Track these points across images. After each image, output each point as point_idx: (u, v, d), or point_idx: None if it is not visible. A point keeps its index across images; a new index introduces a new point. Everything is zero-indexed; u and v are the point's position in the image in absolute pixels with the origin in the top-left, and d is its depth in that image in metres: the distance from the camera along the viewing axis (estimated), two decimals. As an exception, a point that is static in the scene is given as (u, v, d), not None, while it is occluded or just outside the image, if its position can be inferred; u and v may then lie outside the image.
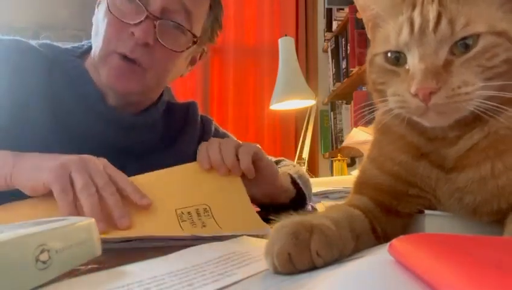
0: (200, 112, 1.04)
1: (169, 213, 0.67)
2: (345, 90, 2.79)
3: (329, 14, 3.08)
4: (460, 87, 0.41)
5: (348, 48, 2.74)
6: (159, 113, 0.93)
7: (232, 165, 0.75)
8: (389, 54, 0.46)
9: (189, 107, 1.01)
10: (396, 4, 0.46)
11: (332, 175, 2.75)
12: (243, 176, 0.77)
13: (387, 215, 0.49)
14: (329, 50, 3.10)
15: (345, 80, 2.78)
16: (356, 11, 0.54)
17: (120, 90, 0.82)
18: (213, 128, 1.03)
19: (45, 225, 0.36)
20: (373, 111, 0.51)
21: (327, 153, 3.01)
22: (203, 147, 0.78)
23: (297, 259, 0.35)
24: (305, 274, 0.35)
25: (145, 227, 0.63)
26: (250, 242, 0.52)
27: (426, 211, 0.49)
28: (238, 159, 0.76)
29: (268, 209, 0.83)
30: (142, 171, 0.72)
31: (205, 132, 1.00)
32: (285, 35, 2.39)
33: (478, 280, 0.20)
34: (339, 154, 2.52)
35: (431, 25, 0.42)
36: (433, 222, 0.48)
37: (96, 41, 0.82)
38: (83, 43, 0.91)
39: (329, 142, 3.04)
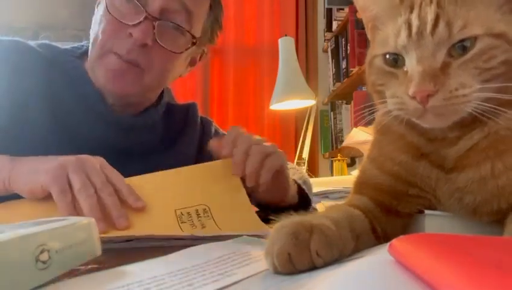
0: (200, 112, 1.04)
1: (169, 214, 0.67)
2: (345, 90, 2.79)
3: (329, 14, 3.08)
4: (458, 90, 0.41)
5: (348, 48, 2.74)
6: (158, 114, 0.93)
7: (250, 174, 0.73)
8: (387, 56, 0.46)
9: (189, 109, 1.01)
10: (394, 6, 0.46)
11: (332, 175, 2.75)
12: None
13: (387, 215, 0.49)
14: (329, 50, 3.10)
15: (345, 80, 2.78)
16: (356, 11, 0.54)
17: (117, 92, 0.81)
18: (213, 130, 1.03)
19: (45, 225, 0.36)
20: (373, 112, 0.51)
21: (327, 153, 3.01)
22: (231, 136, 0.76)
23: (297, 259, 0.35)
24: (305, 274, 0.35)
25: (144, 227, 0.63)
26: (250, 242, 0.52)
27: (426, 211, 0.49)
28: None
29: (267, 210, 0.82)
30: (142, 172, 0.71)
31: (205, 133, 1.00)
32: (285, 35, 2.39)
33: (478, 280, 0.20)
34: (339, 154, 2.53)
35: (429, 27, 0.42)
36: (433, 222, 0.48)
37: (93, 42, 0.82)
38: (82, 43, 0.91)
39: (329, 142, 3.04)
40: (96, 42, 0.81)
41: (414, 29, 0.43)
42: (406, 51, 0.44)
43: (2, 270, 0.30)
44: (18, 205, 0.65)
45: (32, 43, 0.87)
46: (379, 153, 0.51)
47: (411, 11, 0.44)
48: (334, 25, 3.01)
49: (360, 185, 0.53)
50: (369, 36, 0.52)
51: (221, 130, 1.06)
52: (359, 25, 2.56)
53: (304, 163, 2.48)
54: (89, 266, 0.40)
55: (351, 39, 2.69)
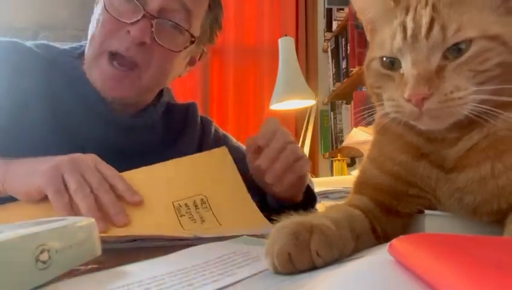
0: (200, 112, 1.03)
1: (167, 207, 0.67)
2: (345, 90, 2.79)
3: (329, 14, 3.09)
4: (453, 92, 0.41)
5: (348, 48, 2.74)
6: (158, 114, 0.93)
7: (277, 172, 0.74)
8: (384, 59, 0.46)
9: (189, 108, 1.01)
10: (390, 8, 0.47)
11: (332, 175, 2.75)
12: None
13: (387, 215, 0.49)
14: (329, 50, 3.10)
15: (345, 80, 2.79)
16: (355, 12, 0.54)
17: (115, 96, 0.81)
18: (213, 130, 1.02)
19: (45, 225, 0.36)
20: (372, 114, 0.51)
21: (327, 153, 3.01)
22: (270, 127, 0.77)
23: (297, 259, 0.35)
24: (305, 274, 0.35)
25: (144, 223, 0.63)
26: (250, 242, 0.52)
27: (426, 211, 0.49)
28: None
29: (272, 207, 0.82)
30: None
31: (205, 133, 1.00)
32: (285, 35, 2.38)
33: (478, 280, 0.20)
34: (339, 154, 2.53)
35: (423, 30, 0.42)
36: (433, 222, 0.48)
37: (91, 40, 0.82)
38: (81, 43, 0.90)
39: (329, 142, 3.04)
40: (94, 41, 0.80)
41: (409, 32, 0.43)
42: (402, 53, 0.44)
43: (2, 270, 0.30)
44: (16, 207, 0.65)
45: (30, 43, 0.87)
46: (379, 153, 0.52)
47: (406, 14, 0.44)
48: (334, 25, 3.01)
49: (360, 185, 0.53)
50: (368, 38, 0.52)
51: (220, 130, 1.06)
52: (359, 25, 2.56)
53: (304, 163, 2.48)
54: (89, 266, 0.40)
55: (351, 39, 2.69)
